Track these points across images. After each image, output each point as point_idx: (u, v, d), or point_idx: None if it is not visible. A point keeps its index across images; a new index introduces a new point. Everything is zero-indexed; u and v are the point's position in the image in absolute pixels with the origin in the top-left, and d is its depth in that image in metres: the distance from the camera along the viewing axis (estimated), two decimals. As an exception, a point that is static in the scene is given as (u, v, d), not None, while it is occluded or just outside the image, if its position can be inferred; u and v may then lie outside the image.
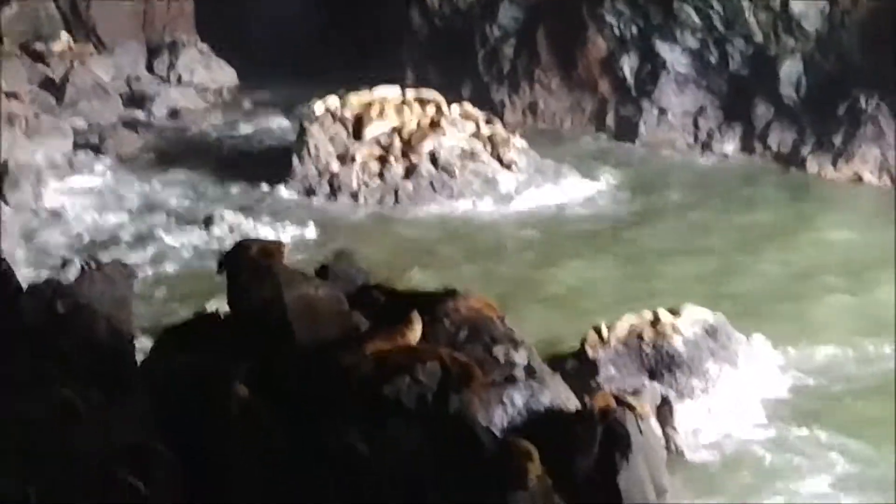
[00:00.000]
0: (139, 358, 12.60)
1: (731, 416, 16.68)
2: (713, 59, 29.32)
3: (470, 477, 10.69)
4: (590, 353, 16.75)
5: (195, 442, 10.33)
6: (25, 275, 16.49)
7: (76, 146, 28.60)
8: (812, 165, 27.44)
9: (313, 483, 10.30)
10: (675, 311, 17.51)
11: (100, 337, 12.15)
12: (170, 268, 22.54)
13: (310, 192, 26.18)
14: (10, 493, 8.67)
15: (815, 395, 17.72)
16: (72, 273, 17.84)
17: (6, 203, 24.14)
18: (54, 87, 30.68)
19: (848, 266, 22.26)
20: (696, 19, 29.14)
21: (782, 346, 18.63)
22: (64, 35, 32.51)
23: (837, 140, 27.39)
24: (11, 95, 28.24)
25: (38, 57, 31.52)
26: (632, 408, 13.30)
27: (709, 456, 16.23)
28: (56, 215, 24.94)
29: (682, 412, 16.36)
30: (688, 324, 17.24)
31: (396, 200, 25.67)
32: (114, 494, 8.87)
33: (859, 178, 26.93)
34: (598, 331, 17.05)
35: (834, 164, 27.23)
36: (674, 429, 16.10)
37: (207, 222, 24.21)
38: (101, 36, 33.58)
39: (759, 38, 28.65)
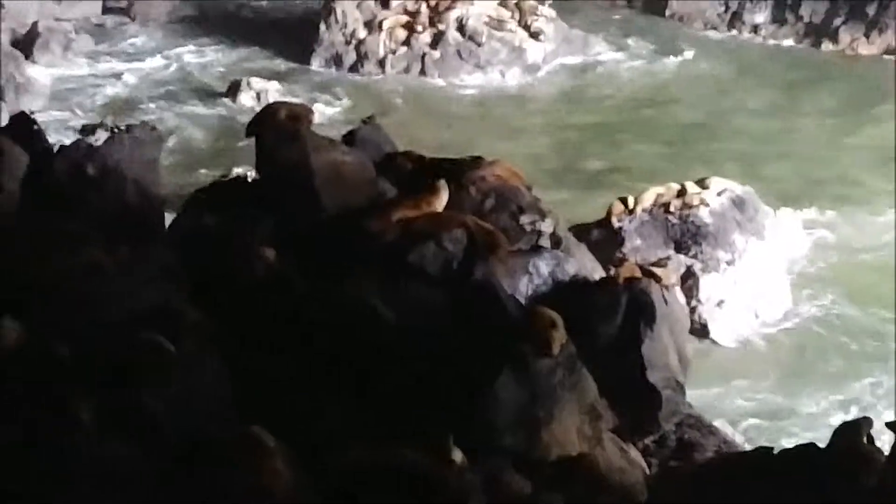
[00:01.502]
0: (168, 220, 12.65)
1: (756, 290, 16.72)
2: (748, -72, 28.81)
3: (494, 344, 10.73)
4: (615, 223, 16.75)
5: (222, 302, 10.40)
6: (54, 137, 16.53)
7: (105, 10, 28.44)
8: (844, 37, 27.08)
9: (335, 344, 10.37)
10: (702, 184, 17.45)
11: (128, 199, 12.19)
12: (197, 134, 22.53)
13: (337, 60, 26.02)
14: (40, 348, 8.79)
15: (840, 268, 17.74)
16: (100, 136, 17.85)
17: (36, 64, 24.17)
18: (81, -51, 30.34)
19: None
20: None
21: (809, 218, 18.62)
22: None
23: (871, 10, 27.00)
24: (39, -42, 28.04)
25: (65, -81, 31.14)
26: (657, 278, 13.32)
27: (730, 330, 16.30)
28: (84, 78, 24.90)
29: (707, 284, 16.40)
30: (715, 195, 17.19)
31: (423, 68, 25.50)
32: (142, 354, 8.97)
33: (894, 50, 26.62)
34: (624, 201, 17.02)
35: (867, 35, 26.88)
36: (699, 300, 16.15)
37: (234, 89, 24.14)
38: None
39: None
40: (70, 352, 8.86)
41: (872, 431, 9.61)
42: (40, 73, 24.06)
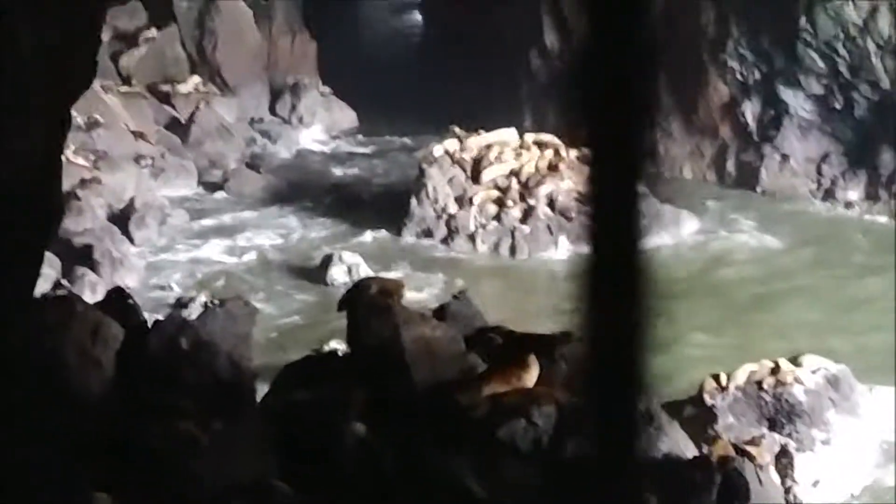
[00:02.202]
0: (259, 394, 12.74)
1: (851, 468, 16.39)
2: (838, 106, 28.92)
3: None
4: (708, 400, 16.55)
5: (314, 477, 10.40)
6: (149, 311, 16.78)
7: (201, 185, 29.06)
8: (939, 214, 26.95)
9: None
10: (795, 361, 17.27)
11: (221, 372, 12.33)
12: (289, 308, 22.74)
13: (427, 234, 26.29)
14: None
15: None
16: (194, 310, 18.13)
17: (132, 241, 24.61)
18: (180, 128, 31.16)
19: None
20: (821, 65, 28.80)
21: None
22: (195, 77, 32.96)
23: (965, 189, 26.90)
24: (139, 135, 28.83)
25: (165, 98, 32.06)
26: (751, 457, 13.14)
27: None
28: (179, 253, 25.32)
29: (802, 463, 16.11)
30: (809, 373, 16.99)
31: (513, 243, 25.66)
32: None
33: None
34: (716, 378, 16.86)
35: (960, 213, 26.74)
36: (794, 480, 15.84)
37: (325, 264, 24.41)
38: (225, 77, 34.07)
39: (885, 84, 28.23)
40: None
41: None
42: (136, 248, 24.52)
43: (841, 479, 16.28)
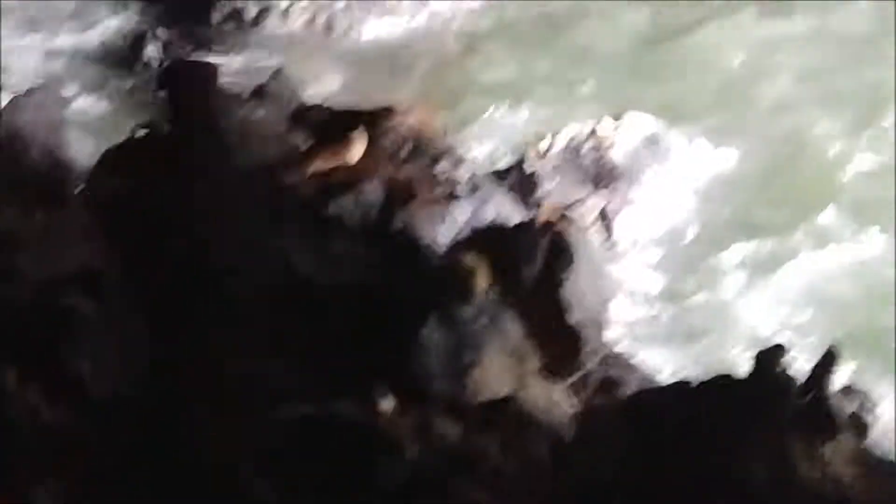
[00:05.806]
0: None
1: (665, 213, 17.03)
2: None
3: (417, 294, 10.77)
4: (530, 165, 16.80)
5: (143, 263, 10.31)
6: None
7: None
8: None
9: (253, 301, 10.33)
10: (617, 118, 17.55)
11: (36, 163, 11.98)
12: (103, 93, 22.25)
13: (236, 16, 25.54)
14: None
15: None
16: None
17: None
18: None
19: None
20: None
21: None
22: None
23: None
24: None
25: None
26: (573, 220, 13.41)
27: (649, 256, 16.58)
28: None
29: (622, 220, 16.59)
30: (628, 133, 17.35)
31: (329, 18, 25.22)
32: (62, 320, 8.87)
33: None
34: (537, 143, 17.10)
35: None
36: (612, 235, 16.35)
37: (137, 46, 23.75)
38: None
39: None
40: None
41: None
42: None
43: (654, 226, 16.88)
